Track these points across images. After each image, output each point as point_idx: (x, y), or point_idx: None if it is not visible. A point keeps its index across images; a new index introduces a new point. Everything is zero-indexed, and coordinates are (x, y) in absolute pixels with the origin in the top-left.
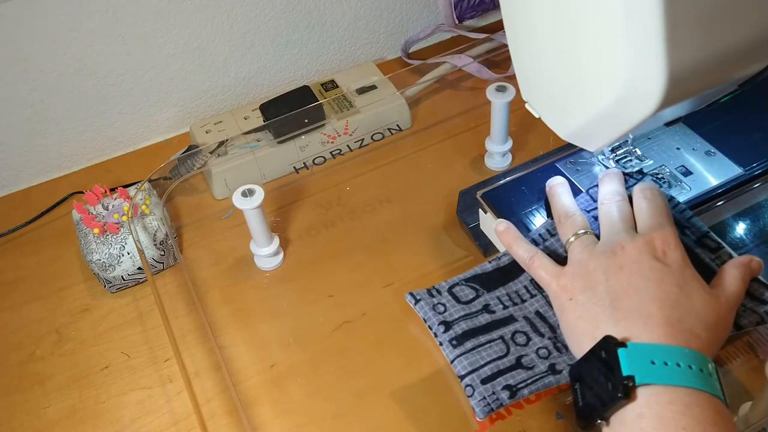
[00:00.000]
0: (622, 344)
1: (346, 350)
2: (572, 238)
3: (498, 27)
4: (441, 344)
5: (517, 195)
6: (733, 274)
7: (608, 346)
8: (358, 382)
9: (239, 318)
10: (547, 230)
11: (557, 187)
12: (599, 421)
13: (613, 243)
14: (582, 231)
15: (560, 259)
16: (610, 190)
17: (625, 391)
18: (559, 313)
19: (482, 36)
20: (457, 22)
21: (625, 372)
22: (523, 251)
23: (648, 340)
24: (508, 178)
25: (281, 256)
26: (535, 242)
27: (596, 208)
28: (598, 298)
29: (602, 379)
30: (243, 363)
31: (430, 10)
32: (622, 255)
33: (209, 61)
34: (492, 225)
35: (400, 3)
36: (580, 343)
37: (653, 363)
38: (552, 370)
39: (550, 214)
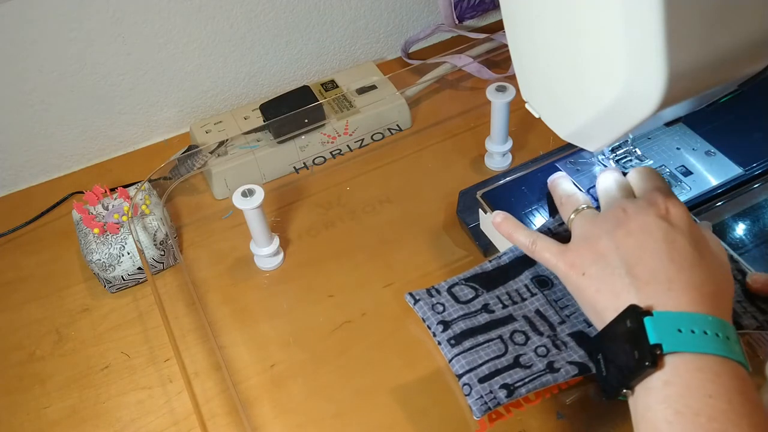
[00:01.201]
0: (648, 312)
1: (346, 350)
2: (573, 215)
3: (498, 27)
4: (439, 344)
5: (517, 195)
6: (705, 229)
7: (633, 315)
8: (358, 382)
9: (239, 318)
10: (549, 229)
11: (558, 178)
12: (625, 391)
13: (614, 208)
14: (583, 206)
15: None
16: (607, 175)
17: (653, 359)
18: (574, 291)
19: (482, 36)
20: (457, 22)
21: (652, 340)
22: (524, 237)
23: (673, 306)
24: (508, 178)
25: (281, 256)
26: None
27: (597, 207)
28: (612, 267)
29: (628, 348)
30: (243, 363)
31: (430, 10)
32: (626, 218)
33: (209, 61)
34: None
35: (400, 3)
36: (604, 318)
37: (680, 331)
38: (550, 368)
39: (551, 213)
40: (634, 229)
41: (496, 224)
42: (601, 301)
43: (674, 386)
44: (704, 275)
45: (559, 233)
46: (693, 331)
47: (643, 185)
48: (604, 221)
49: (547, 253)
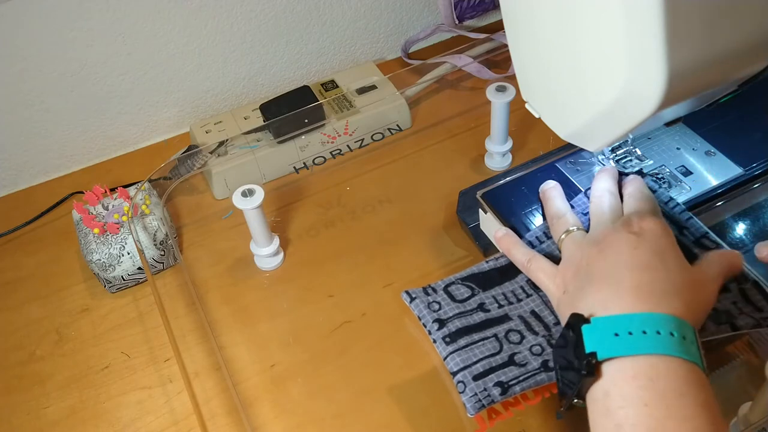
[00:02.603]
0: (587, 320)
1: (346, 350)
2: (563, 236)
3: (498, 27)
4: (435, 342)
5: (517, 195)
6: (717, 260)
7: (574, 324)
8: (358, 382)
9: (239, 318)
10: (544, 233)
11: (549, 191)
12: (576, 401)
13: (598, 233)
14: (572, 228)
15: (557, 260)
16: (600, 186)
17: (589, 368)
18: (557, 309)
19: (482, 36)
20: (457, 22)
21: (588, 349)
22: (521, 255)
23: (618, 309)
24: (508, 178)
25: (281, 256)
26: (531, 245)
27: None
28: (582, 282)
29: (571, 357)
30: (243, 363)
31: (430, 10)
32: (602, 240)
33: (209, 61)
34: (492, 225)
35: (400, 3)
36: None
37: (617, 335)
38: (545, 367)
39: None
40: (605, 246)
41: (497, 238)
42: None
43: (613, 397)
44: (658, 274)
45: (552, 239)
46: (631, 333)
47: (629, 208)
48: (588, 244)
49: (542, 273)
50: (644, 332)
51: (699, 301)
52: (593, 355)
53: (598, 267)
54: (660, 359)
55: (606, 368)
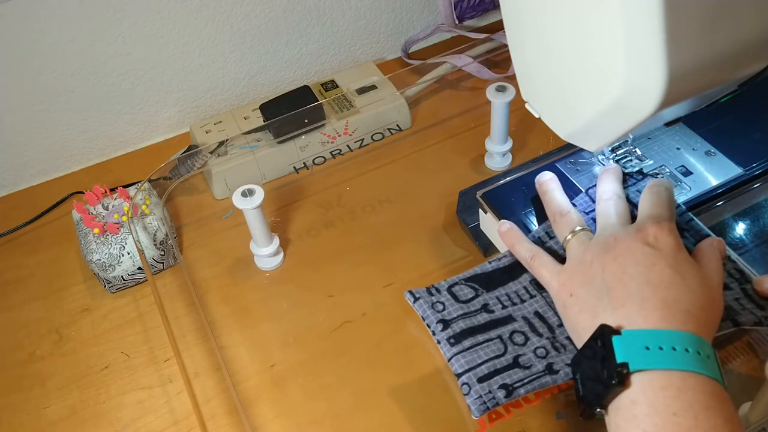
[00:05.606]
0: (617, 332)
1: (346, 350)
2: (569, 236)
3: (498, 27)
4: (439, 342)
5: (517, 195)
6: (711, 252)
7: (603, 334)
8: (358, 382)
9: (239, 318)
10: (546, 233)
11: (548, 183)
12: (599, 410)
13: (607, 236)
14: (578, 228)
15: (561, 260)
16: (607, 188)
17: (620, 378)
18: (561, 310)
19: (482, 36)
20: (457, 22)
21: (619, 359)
22: (524, 251)
23: (644, 324)
24: (508, 178)
25: (281, 256)
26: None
27: (595, 210)
28: (595, 290)
29: (599, 367)
30: (243, 363)
31: (430, 10)
32: (615, 245)
33: (209, 61)
34: (492, 225)
35: (400, 3)
36: (583, 337)
37: (648, 348)
38: (549, 369)
39: (541, 215)
40: (619, 253)
41: (501, 233)
42: (581, 322)
43: (640, 405)
44: (681, 294)
45: (555, 239)
46: (661, 348)
47: (646, 211)
48: (596, 246)
49: (544, 270)
50: (674, 349)
51: (715, 320)
52: (625, 365)
53: (616, 278)
54: (689, 374)
55: (635, 378)
